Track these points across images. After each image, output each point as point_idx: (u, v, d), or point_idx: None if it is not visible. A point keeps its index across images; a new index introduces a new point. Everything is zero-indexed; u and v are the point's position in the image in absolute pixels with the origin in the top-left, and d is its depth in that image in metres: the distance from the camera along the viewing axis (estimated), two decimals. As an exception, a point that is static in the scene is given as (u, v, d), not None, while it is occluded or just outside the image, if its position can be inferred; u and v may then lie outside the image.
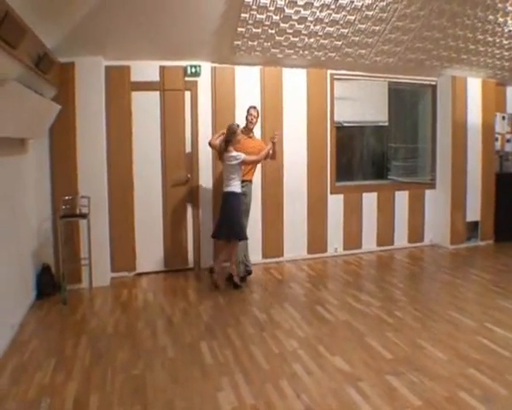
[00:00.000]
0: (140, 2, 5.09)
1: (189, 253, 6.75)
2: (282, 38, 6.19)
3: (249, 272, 6.21)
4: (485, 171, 8.17)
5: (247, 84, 6.77)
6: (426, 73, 7.76)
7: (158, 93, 6.43)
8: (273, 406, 3.30)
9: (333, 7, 5.82)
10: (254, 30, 5.94)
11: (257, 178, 6.70)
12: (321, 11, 5.85)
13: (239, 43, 6.16)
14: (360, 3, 5.85)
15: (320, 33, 6.23)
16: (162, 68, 6.38)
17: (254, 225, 6.81)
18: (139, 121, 6.36)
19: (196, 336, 4.54)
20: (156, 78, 6.38)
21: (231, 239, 5.86)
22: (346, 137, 7.85)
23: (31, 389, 3.53)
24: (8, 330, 4.42)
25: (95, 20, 5.07)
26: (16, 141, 5.06)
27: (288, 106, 7.00)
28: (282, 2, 5.60)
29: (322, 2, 5.72)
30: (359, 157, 8.24)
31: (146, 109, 6.39)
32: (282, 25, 5.94)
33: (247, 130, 6.10)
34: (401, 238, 8.00)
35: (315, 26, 6.07)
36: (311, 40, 6.33)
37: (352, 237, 7.62)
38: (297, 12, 5.77)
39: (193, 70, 6.44)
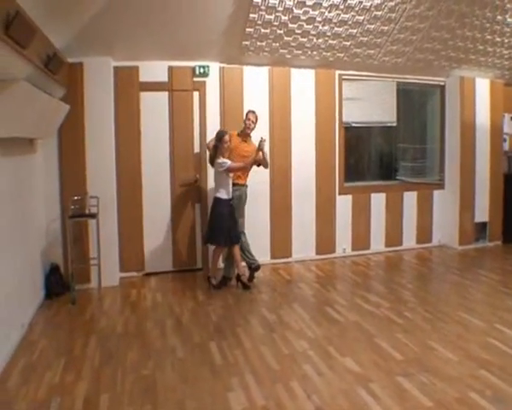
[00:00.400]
0: (148, 2, 5.09)
1: (197, 253, 6.74)
2: (291, 39, 6.19)
3: (255, 268, 6.17)
4: (494, 171, 8.13)
5: (256, 84, 6.77)
6: (434, 73, 7.73)
7: (166, 93, 6.44)
8: (284, 406, 3.29)
9: (341, 7, 5.81)
10: (263, 30, 5.94)
11: (265, 178, 6.73)
12: (329, 11, 5.84)
13: (247, 43, 6.16)
14: (369, 3, 5.84)
15: (328, 34, 6.22)
16: (170, 69, 6.39)
17: (263, 226, 6.82)
18: (148, 121, 6.37)
19: (205, 336, 4.54)
20: (165, 78, 6.39)
21: (218, 245, 5.93)
22: (355, 137, 7.83)
23: (41, 389, 3.54)
24: (18, 330, 4.43)
25: (103, 21, 5.08)
26: (25, 141, 5.08)
27: (296, 106, 6.98)
28: (291, 3, 5.60)
29: (330, 2, 5.71)
30: (368, 158, 8.22)
31: (154, 110, 6.40)
32: (290, 25, 5.93)
33: (244, 134, 6.08)
34: (409, 239, 7.97)
35: (323, 26, 6.06)
36: (320, 40, 6.32)
37: (361, 238, 7.60)
38: (305, 12, 5.77)
39: (201, 70, 6.44)
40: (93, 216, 5.68)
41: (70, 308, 5.35)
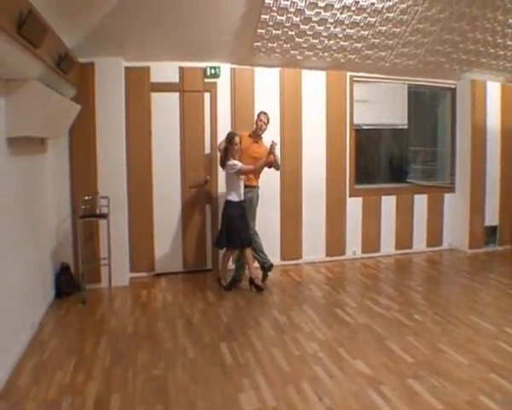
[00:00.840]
0: (160, 2, 5.11)
1: (207, 254, 6.75)
2: (302, 40, 6.19)
3: (268, 268, 6.17)
4: (504, 175, 8.09)
5: (267, 85, 6.77)
6: (445, 76, 7.70)
7: (177, 94, 6.45)
8: (295, 408, 3.29)
9: (353, 9, 5.81)
10: (274, 31, 5.95)
11: (275, 179, 6.73)
12: (341, 13, 5.84)
13: (259, 44, 6.17)
14: (381, 5, 5.84)
15: (340, 35, 6.22)
16: (182, 69, 6.40)
17: (273, 228, 6.82)
18: (159, 122, 6.38)
19: (216, 337, 4.54)
20: (176, 79, 6.40)
21: (229, 248, 5.90)
22: (366, 139, 7.81)
23: (51, 389, 3.55)
24: (28, 330, 4.45)
25: (114, 21, 5.11)
26: (36, 140, 5.09)
27: (307, 108, 6.98)
28: (303, 4, 5.61)
29: (342, 3, 5.72)
30: (378, 160, 8.22)
31: (165, 110, 6.41)
32: (302, 26, 5.94)
33: (256, 135, 6.07)
34: (419, 242, 7.94)
35: (335, 27, 6.06)
36: (331, 42, 6.32)
37: (371, 241, 7.58)
38: (317, 14, 5.77)
39: (212, 71, 6.45)
40: (104, 216, 5.70)
41: (80, 308, 5.36)
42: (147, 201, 6.38)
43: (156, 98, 6.35)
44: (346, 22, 6.02)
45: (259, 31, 5.92)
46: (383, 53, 6.73)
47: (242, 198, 5.82)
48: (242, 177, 5.81)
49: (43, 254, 5.29)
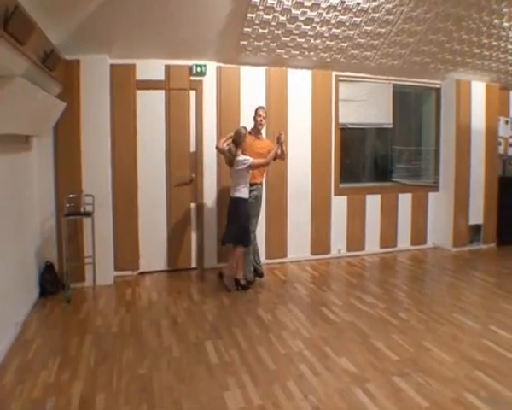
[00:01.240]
0: (146, 0, 5.09)
1: (192, 252, 6.74)
2: (288, 39, 6.20)
3: (261, 275, 6.21)
4: (489, 174, 8.18)
5: (253, 84, 6.77)
6: (430, 76, 7.76)
7: (163, 92, 6.42)
8: (280, 406, 3.30)
9: (339, 8, 5.83)
10: (260, 30, 5.94)
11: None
12: (327, 12, 5.86)
13: (245, 43, 6.16)
14: (367, 5, 5.87)
15: (326, 35, 6.24)
16: (167, 67, 6.37)
17: (258, 226, 6.79)
18: (144, 120, 6.35)
19: (201, 335, 4.53)
20: (161, 76, 6.37)
21: (237, 245, 5.83)
22: (351, 138, 7.86)
23: (36, 388, 3.52)
24: (12, 329, 4.40)
25: (100, 18, 5.08)
26: (21, 138, 5.05)
27: (292, 107, 6.99)
28: (289, 3, 5.61)
29: (328, 3, 5.74)
30: (363, 159, 8.27)
31: (151, 108, 6.38)
32: (288, 25, 5.95)
33: (256, 131, 6.06)
34: (404, 240, 8.00)
35: (321, 27, 6.08)
36: (317, 41, 6.33)
37: (356, 239, 7.62)
38: (303, 13, 5.78)
39: (198, 69, 6.43)
40: (88, 214, 5.66)
41: (65, 307, 5.31)
42: (132, 199, 6.33)
43: (142, 96, 6.31)
44: (332, 22, 6.04)
45: (246, 29, 5.91)
46: (369, 53, 6.76)
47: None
48: (251, 172, 5.76)
49: (27, 252, 5.24)
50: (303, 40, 6.26)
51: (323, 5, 5.75)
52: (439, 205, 8.14)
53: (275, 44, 6.27)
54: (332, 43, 6.42)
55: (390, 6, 5.96)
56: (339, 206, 7.44)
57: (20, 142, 5.09)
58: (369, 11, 5.98)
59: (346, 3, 5.79)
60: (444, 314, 5.07)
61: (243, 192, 5.70)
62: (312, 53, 6.58)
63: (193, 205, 6.68)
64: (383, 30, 6.35)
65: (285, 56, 6.57)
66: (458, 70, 7.59)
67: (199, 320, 4.94)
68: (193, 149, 6.61)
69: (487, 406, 3.27)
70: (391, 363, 3.94)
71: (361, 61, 6.92)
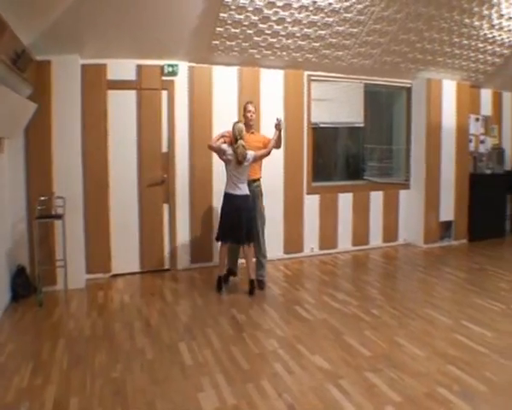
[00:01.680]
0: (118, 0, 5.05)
1: (165, 253, 6.70)
2: (260, 39, 6.21)
3: (234, 274, 6.24)
4: (459, 171, 8.32)
5: (225, 84, 6.76)
6: (401, 75, 7.86)
7: (134, 92, 6.37)
8: (255, 405, 3.30)
9: (311, 9, 5.87)
10: (233, 30, 5.94)
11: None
12: (299, 12, 5.89)
13: (217, 43, 6.15)
14: (338, 6, 5.92)
15: (298, 34, 6.27)
16: (139, 67, 6.32)
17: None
18: (115, 120, 6.27)
19: (175, 337, 4.51)
20: (133, 76, 6.31)
21: (248, 244, 5.76)
22: (323, 137, 7.91)
23: (9, 393, 3.47)
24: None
25: (72, 18, 5.01)
26: (-8, 140, 4.97)
27: (265, 107, 6.96)
28: (261, 3, 5.63)
29: (300, 3, 5.77)
30: (335, 158, 8.33)
31: (122, 108, 6.32)
32: (260, 25, 5.96)
33: (248, 126, 5.93)
34: (376, 238, 8.10)
35: (293, 27, 6.11)
36: (289, 41, 6.36)
37: (328, 237, 7.67)
38: (276, 13, 5.80)
39: (170, 69, 6.39)
40: (59, 217, 5.58)
41: (37, 311, 5.23)
42: (103, 200, 6.26)
43: (113, 96, 6.24)
44: (304, 22, 6.07)
45: (218, 29, 5.90)
46: (340, 52, 6.82)
47: None
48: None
49: (-3, 255, 5.15)
50: (275, 40, 6.28)
51: (295, 5, 5.78)
52: (411, 202, 8.25)
53: (247, 44, 6.28)
54: (304, 42, 6.45)
55: (361, 6, 6.03)
56: (311, 205, 7.49)
57: (-9, 144, 5.00)
58: (341, 11, 6.03)
59: (318, 4, 5.83)
60: (416, 310, 5.14)
61: (246, 189, 5.63)
62: (284, 53, 6.60)
63: (165, 206, 6.64)
64: (355, 30, 6.42)
65: (257, 56, 6.58)
66: (429, 69, 7.71)
67: (172, 322, 4.91)
68: (165, 149, 6.56)
69: (460, 399, 3.33)
70: (364, 359, 3.99)
71: (333, 60, 6.97)
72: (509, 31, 7.30)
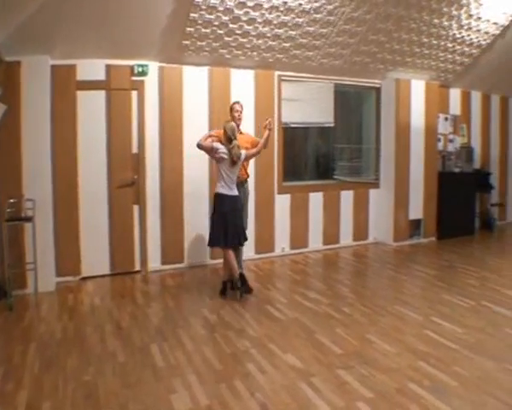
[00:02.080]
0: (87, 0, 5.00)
1: (135, 255, 6.64)
2: (231, 39, 6.22)
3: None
4: (428, 170, 8.46)
5: (195, 84, 6.74)
6: (370, 75, 7.96)
7: (104, 92, 6.30)
8: (228, 405, 3.31)
9: (282, 9, 5.91)
10: (203, 30, 5.94)
11: (204, 176, 6.78)
12: (270, 13, 5.92)
13: (187, 42, 6.14)
14: (308, 6, 5.96)
15: (268, 35, 6.30)
16: (108, 67, 6.25)
17: (201, 226, 6.76)
18: (85, 121, 6.20)
19: (146, 339, 4.48)
20: (102, 77, 6.24)
21: (239, 245, 5.70)
22: (293, 137, 7.95)
23: (-21, 400, 3.41)
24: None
25: (41, 18, 4.96)
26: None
27: (235, 107, 6.98)
28: (232, 3, 5.64)
29: (271, 4, 5.80)
30: (306, 157, 8.39)
31: (92, 109, 6.24)
32: (231, 25, 5.97)
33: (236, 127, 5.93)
34: (346, 237, 8.18)
35: (263, 27, 6.13)
36: (260, 41, 6.38)
37: (299, 237, 7.72)
38: (246, 13, 5.82)
39: (140, 69, 6.35)
40: (29, 219, 5.50)
41: (7, 315, 5.13)
42: (72, 202, 6.17)
43: (82, 96, 6.16)
44: (275, 22, 6.10)
45: (188, 29, 5.89)
46: (310, 53, 6.87)
47: None
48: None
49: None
50: (245, 40, 6.30)
51: (266, 6, 5.81)
52: (380, 201, 8.36)
53: (217, 44, 6.28)
54: (274, 43, 6.49)
55: (331, 7, 6.08)
56: (282, 204, 7.52)
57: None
58: (311, 12, 6.08)
59: (289, 4, 5.87)
60: (386, 307, 5.22)
61: (236, 189, 5.53)
62: (255, 53, 6.62)
63: (136, 207, 6.59)
64: (325, 30, 6.47)
65: (228, 56, 6.59)
66: (398, 69, 7.82)
67: (143, 324, 4.88)
68: (135, 150, 6.52)
69: (431, 395, 3.38)
70: (335, 357, 4.03)
71: (303, 60, 7.02)
72: (478, 31, 7.47)
